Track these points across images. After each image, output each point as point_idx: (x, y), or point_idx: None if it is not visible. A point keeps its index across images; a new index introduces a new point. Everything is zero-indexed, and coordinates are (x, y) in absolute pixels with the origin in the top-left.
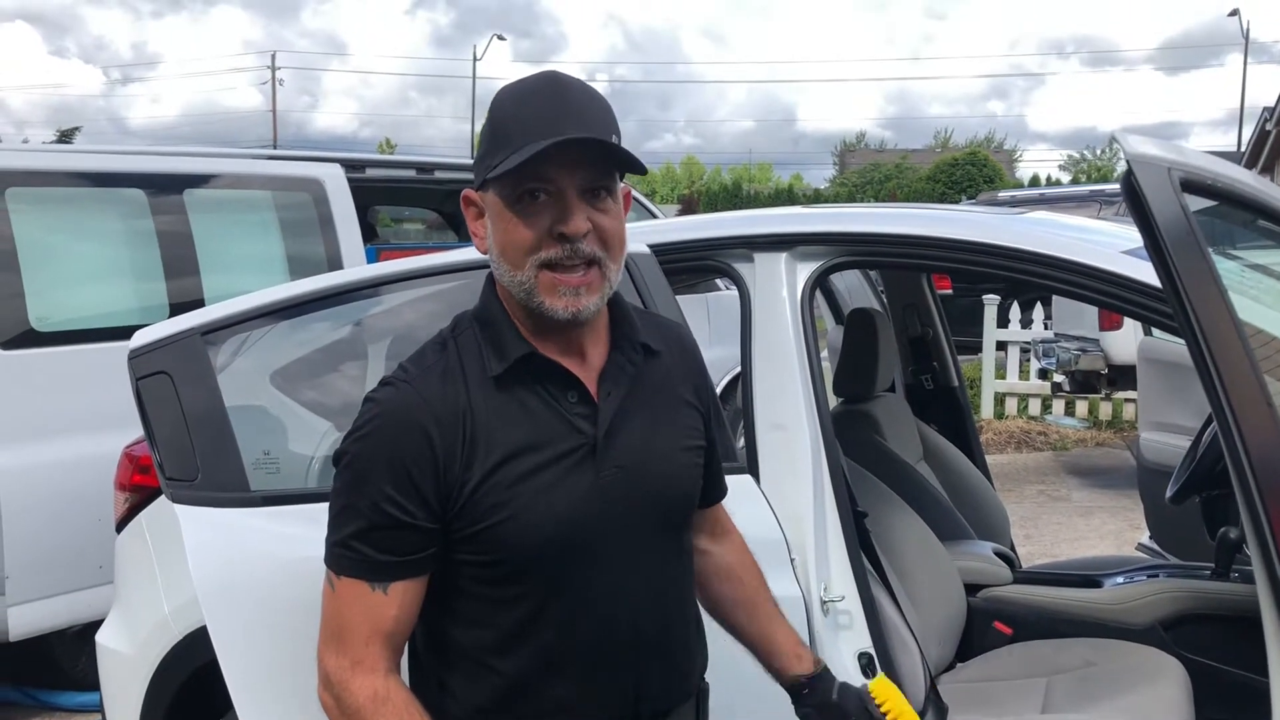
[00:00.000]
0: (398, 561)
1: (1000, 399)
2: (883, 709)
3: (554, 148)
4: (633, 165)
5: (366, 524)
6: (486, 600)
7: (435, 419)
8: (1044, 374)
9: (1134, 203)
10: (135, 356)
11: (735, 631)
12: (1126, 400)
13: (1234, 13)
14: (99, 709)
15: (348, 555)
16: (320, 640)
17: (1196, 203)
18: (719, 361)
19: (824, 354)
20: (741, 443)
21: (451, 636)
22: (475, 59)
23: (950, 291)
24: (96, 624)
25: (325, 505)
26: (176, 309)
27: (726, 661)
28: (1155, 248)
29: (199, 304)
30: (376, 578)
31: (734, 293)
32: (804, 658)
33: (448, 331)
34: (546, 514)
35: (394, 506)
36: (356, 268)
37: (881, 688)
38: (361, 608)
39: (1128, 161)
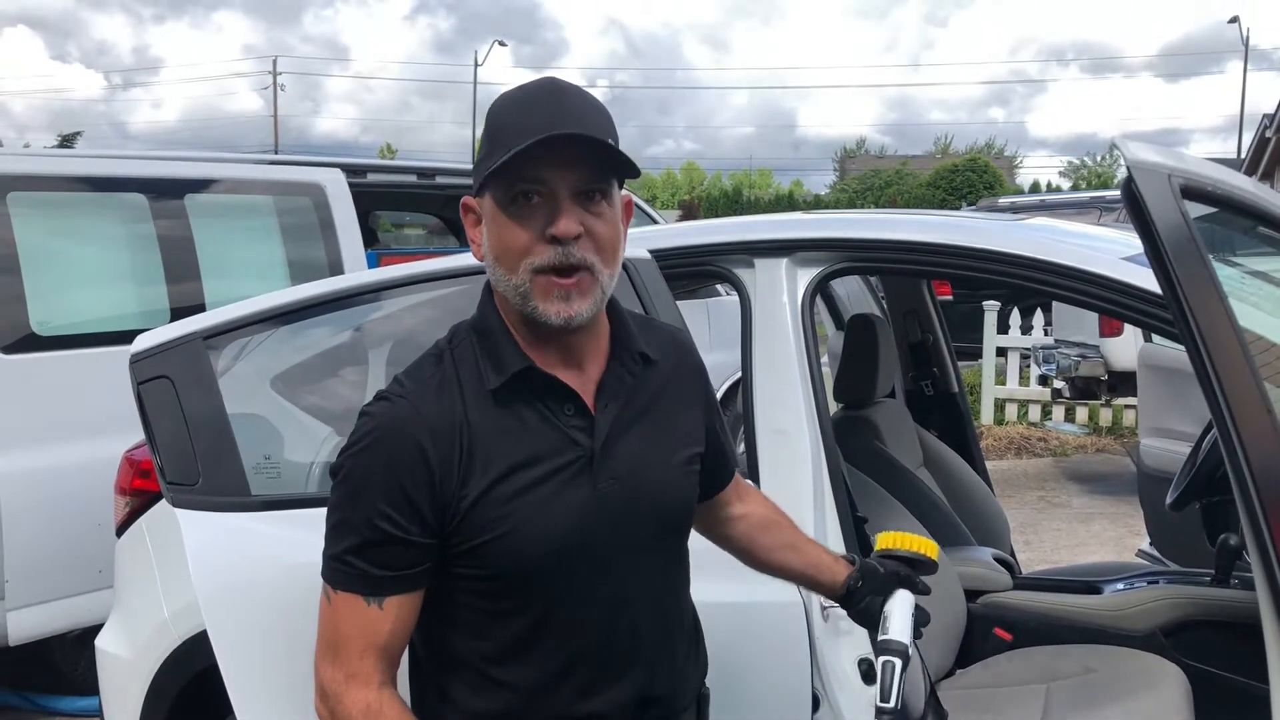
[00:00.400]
0: (393, 576)
1: (1000, 405)
2: (905, 548)
3: (544, 147)
4: (625, 167)
5: (361, 539)
6: (485, 612)
7: (431, 433)
8: (1044, 380)
9: (1134, 209)
10: (137, 361)
11: (787, 571)
12: (1126, 406)
13: (1234, 19)
14: (98, 713)
15: (343, 569)
16: (316, 652)
17: (1197, 209)
18: (719, 367)
19: (824, 359)
20: (742, 447)
21: (452, 647)
22: (476, 64)
23: (950, 298)
24: (96, 628)
25: (325, 509)
26: (177, 313)
27: (727, 667)
28: (1155, 254)
29: (200, 308)
30: (372, 592)
31: (734, 298)
32: (841, 561)
33: (444, 343)
34: (545, 527)
35: (388, 522)
36: (357, 273)
37: (889, 538)
38: (357, 621)
39: (1128, 168)
